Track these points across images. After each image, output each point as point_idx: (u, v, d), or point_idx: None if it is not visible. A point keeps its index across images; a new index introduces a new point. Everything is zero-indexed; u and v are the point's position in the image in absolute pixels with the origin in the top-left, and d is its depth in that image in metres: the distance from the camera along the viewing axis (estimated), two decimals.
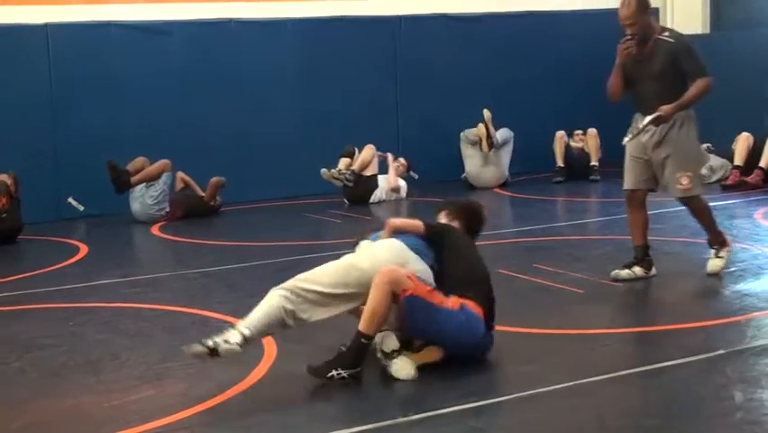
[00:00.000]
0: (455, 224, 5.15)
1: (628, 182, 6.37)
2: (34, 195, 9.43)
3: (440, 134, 11.66)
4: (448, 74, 11.91)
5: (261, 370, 4.75)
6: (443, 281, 4.78)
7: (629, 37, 6.03)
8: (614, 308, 5.97)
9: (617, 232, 7.70)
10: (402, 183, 10.82)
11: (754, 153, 10.65)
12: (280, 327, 4.60)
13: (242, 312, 5.77)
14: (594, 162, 11.60)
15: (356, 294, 4.63)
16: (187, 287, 6.87)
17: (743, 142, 10.73)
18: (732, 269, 6.46)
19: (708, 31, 13.08)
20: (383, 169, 10.82)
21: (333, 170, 10.43)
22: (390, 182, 10.64)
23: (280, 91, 11.10)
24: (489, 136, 11.33)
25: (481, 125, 11.37)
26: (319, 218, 9.67)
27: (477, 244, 5.16)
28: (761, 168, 10.33)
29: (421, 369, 4.60)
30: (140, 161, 9.92)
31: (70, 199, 10.21)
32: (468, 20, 12.08)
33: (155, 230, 9.41)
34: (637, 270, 6.35)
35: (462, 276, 4.78)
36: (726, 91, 10.96)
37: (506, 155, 11.57)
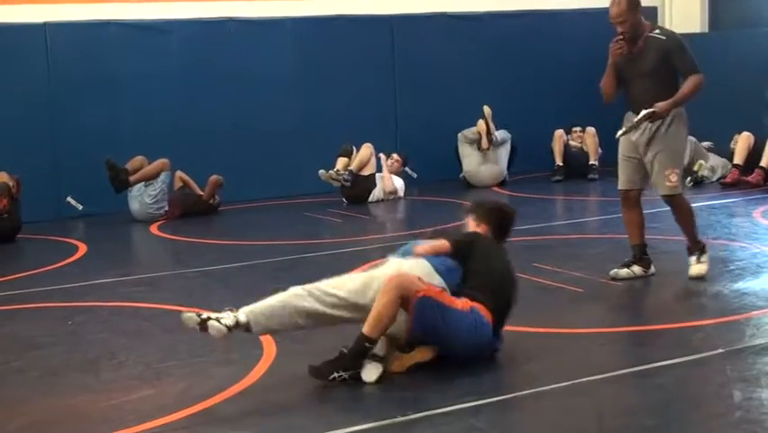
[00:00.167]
0: (482, 227, 5.08)
1: (622, 182, 6.37)
2: (33, 194, 9.42)
3: (438, 133, 11.65)
4: (447, 73, 11.90)
5: (261, 370, 4.75)
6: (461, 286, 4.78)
7: (620, 36, 6.04)
8: (613, 306, 5.97)
9: (615, 231, 7.70)
10: (399, 183, 10.78)
11: (754, 153, 10.66)
12: (290, 324, 4.59)
13: None
14: (593, 161, 11.61)
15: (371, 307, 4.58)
16: (186, 286, 6.87)
17: (743, 142, 10.74)
18: (731, 267, 6.47)
19: (706, 30, 13.09)
20: (382, 167, 10.82)
21: (331, 171, 10.42)
22: (386, 186, 10.60)
23: (279, 90, 11.09)
24: (489, 132, 11.32)
25: (481, 121, 11.36)
26: (318, 218, 9.66)
27: None
28: (762, 167, 10.32)
29: (417, 369, 4.60)
30: (138, 160, 9.92)
31: (69, 198, 10.20)
32: (467, 19, 12.08)
33: (154, 229, 9.40)
34: (636, 269, 6.36)
35: (478, 282, 4.77)
36: (725, 90, 11.01)
37: (504, 154, 11.57)
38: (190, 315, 4.53)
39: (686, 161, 10.02)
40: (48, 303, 6.47)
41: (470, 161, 11.43)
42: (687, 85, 6.01)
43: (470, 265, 4.86)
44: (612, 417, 4.13)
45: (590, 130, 11.74)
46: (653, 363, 4.63)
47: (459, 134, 11.50)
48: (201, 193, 10.16)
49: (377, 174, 10.68)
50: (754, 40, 12.10)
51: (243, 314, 4.55)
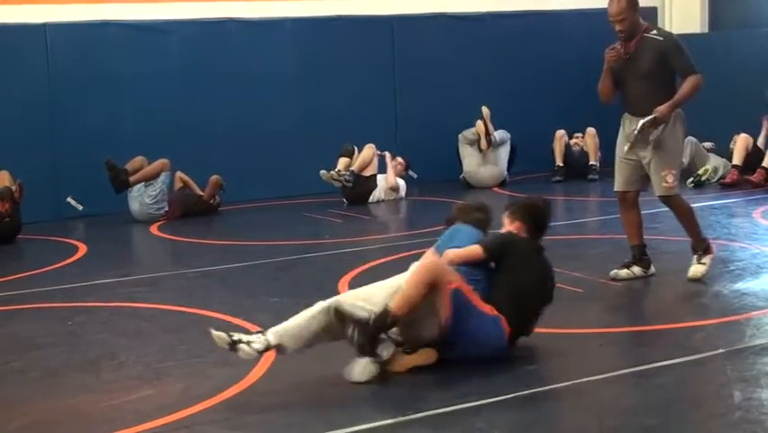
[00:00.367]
0: (516, 225, 5.01)
1: (618, 183, 6.36)
2: (33, 194, 9.41)
3: (438, 134, 11.65)
4: (447, 73, 11.90)
5: (260, 369, 4.75)
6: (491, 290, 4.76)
7: (617, 40, 6.03)
8: (613, 307, 5.97)
9: (615, 231, 7.69)
10: (401, 183, 10.81)
11: (753, 153, 10.68)
12: (320, 339, 4.57)
13: (241, 312, 5.81)
14: (593, 162, 11.60)
15: None
16: (186, 286, 6.87)
17: (741, 143, 10.75)
18: (731, 268, 6.46)
19: (706, 30, 13.09)
20: (383, 168, 10.82)
21: (332, 172, 10.41)
22: (389, 181, 10.63)
23: (279, 90, 11.09)
24: (487, 133, 11.32)
25: (480, 122, 11.36)
26: (319, 218, 9.66)
27: None
28: (764, 167, 10.33)
29: (418, 369, 4.59)
30: (138, 160, 9.92)
31: (69, 199, 10.20)
32: (467, 19, 12.08)
33: (154, 229, 9.40)
34: (636, 269, 6.35)
35: (502, 294, 4.72)
36: (725, 91, 11.01)
37: (504, 154, 11.57)
38: (221, 335, 4.48)
39: (686, 161, 10.04)
40: (48, 303, 6.47)
41: (470, 161, 11.43)
42: (685, 86, 5.99)
43: (499, 276, 4.80)
44: (612, 417, 4.13)
45: (590, 131, 11.74)
46: (654, 364, 4.63)
47: (459, 135, 11.50)
48: (201, 193, 10.16)
49: (378, 175, 10.68)
50: (754, 40, 12.11)
51: (273, 335, 4.51)
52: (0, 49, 9.97)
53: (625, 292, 6.14)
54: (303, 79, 11.25)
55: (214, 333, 4.50)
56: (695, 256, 6.28)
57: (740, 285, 6.10)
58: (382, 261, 7.35)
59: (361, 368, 4.51)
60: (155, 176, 9.81)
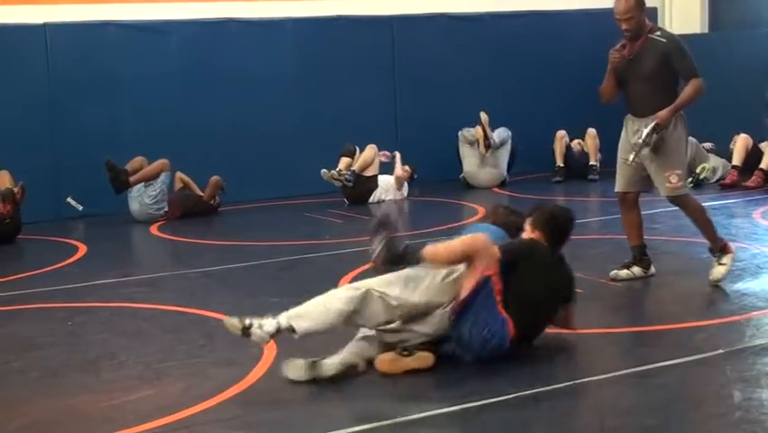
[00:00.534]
0: (537, 234, 5.00)
1: (619, 184, 6.34)
2: (33, 194, 9.40)
3: (438, 134, 11.65)
4: (447, 73, 11.90)
5: (261, 369, 4.75)
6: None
7: (620, 45, 6.00)
8: (613, 307, 5.96)
9: (615, 231, 7.69)
10: (400, 189, 10.83)
11: (753, 154, 10.68)
12: (332, 326, 4.60)
13: (241, 312, 5.79)
14: (593, 162, 11.61)
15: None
16: (186, 286, 6.86)
17: (741, 143, 10.75)
18: (731, 268, 6.45)
19: (706, 31, 13.09)
20: (384, 169, 10.82)
21: (333, 171, 10.41)
22: (397, 172, 10.62)
23: (279, 90, 11.09)
24: (486, 138, 11.32)
25: (478, 128, 11.37)
26: (319, 218, 9.66)
27: None
28: (761, 169, 10.34)
29: (417, 370, 4.59)
30: (138, 160, 9.92)
31: (69, 199, 10.19)
32: (467, 19, 12.08)
33: (154, 230, 9.40)
34: (636, 269, 6.35)
35: (512, 301, 4.69)
36: (725, 91, 11.01)
37: (504, 155, 11.56)
38: (233, 322, 4.52)
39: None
40: (48, 304, 6.47)
41: (470, 161, 11.43)
42: (687, 90, 5.97)
43: (510, 280, 4.74)
44: (612, 417, 4.13)
45: (591, 131, 11.74)
46: (654, 364, 4.63)
47: (459, 134, 11.51)
48: (201, 194, 10.16)
49: (379, 176, 10.68)
50: (754, 41, 12.11)
51: (284, 318, 4.54)
52: (0, 49, 9.97)
53: (625, 292, 6.14)
54: (303, 79, 11.25)
55: (227, 321, 4.54)
56: (714, 259, 6.18)
57: (740, 285, 6.09)
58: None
59: (296, 368, 4.52)
60: (155, 176, 9.81)
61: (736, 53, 11.94)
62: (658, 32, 6.07)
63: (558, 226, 5.05)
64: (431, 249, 4.62)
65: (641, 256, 6.37)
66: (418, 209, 10.32)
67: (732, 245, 6.30)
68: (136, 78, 10.47)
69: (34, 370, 5.01)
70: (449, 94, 11.86)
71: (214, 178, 10.14)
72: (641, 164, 6.16)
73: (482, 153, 11.34)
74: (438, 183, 11.35)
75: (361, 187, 10.49)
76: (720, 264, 6.14)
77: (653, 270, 6.39)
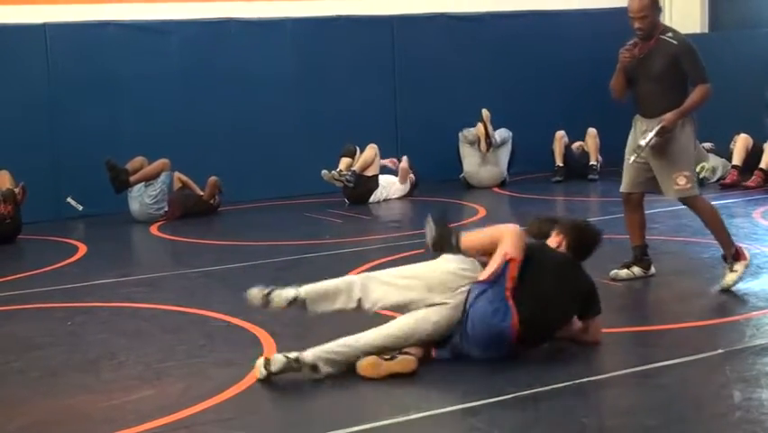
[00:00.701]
0: (559, 241, 5.03)
1: (624, 185, 6.32)
2: (33, 194, 9.40)
3: (439, 134, 11.65)
4: (447, 73, 11.90)
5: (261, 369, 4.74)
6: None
7: (631, 43, 5.95)
8: (613, 307, 5.94)
9: (615, 231, 7.68)
10: (404, 186, 10.85)
11: (753, 154, 10.68)
12: (344, 298, 4.77)
13: (241, 312, 5.80)
14: (593, 162, 11.61)
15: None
16: (186, 286, 6.86)
17: (741, 143, 10.76)
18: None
19: (706, 30, 13.09)
20: (384, 168, 10.83)
21: (333, 172, 10.41)
22: (403, 163, 10.68)
23: (279, 90, 11.09)
24: (487, 136, 11.32)
25: (480, 125, 11.37)
26: (319, 218, 9.66)
27: None
28: (761, 169, 10.34)
29: (418, 368, 4.59)
30: (138, 160, 9.92)
31: (69, 199, 10.19)
32: (467, 19, 12.08)
33: (154, 230, 9.40)
34: (636, 269, 6.35)
35: (521, 295, 4.70)
36: (725, 91, 10.97)
37: (504, 155, 11.56)
38: (254, 292, 4.74)
39: None
40: (48, 303, 6.47)
41: (471, 161, 11.43)
42: (694, 95, 5.92)
43: (522, 280, 4.76)
44: (612, 417, 4.14)
45: (591, 131, 11.74)
46: (654, 364, 4.63)
47: (459, 134, 11.50)
48: (201, 193, 10.16)
49: (380, 176, 10.68)
50: (754, 40, 12.11)
51: (303, 290, 4.76)
52: (0, 49, 9.97)
53: (625, 292, 6.14)
54: (303, 79, 11.25)
55: (250, 291, 4.75)
56: (726, 265, 6.07)
57: (740, 285, 6.07)
58: (383, 261, 7.35)
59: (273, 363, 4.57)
60: (155, 176, 9.81)
61: (736, 53, 11.93)
62: (670, 34, 6.00)
63: (583, 240, 5.10)
64: (465, 236, 4.81)
65: (641, 256, 6.37)
66: (418, 209, 10.31)
67: (746, 251, 6.14)
68: (136, 78, 10.47)
69: (34, 370, 5.01)
70: (449, 94, 11.85)
71: (213, 178, 10.13)
72: (647, 166, 6.13)
73: (483, 151, 11.33)
74: (438, 183, 11.34)
75: (362, 187, 10.49)
76: (732, 271, 6.01)
77: (653, 270, 6.40)
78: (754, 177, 10.28)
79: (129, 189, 9.81)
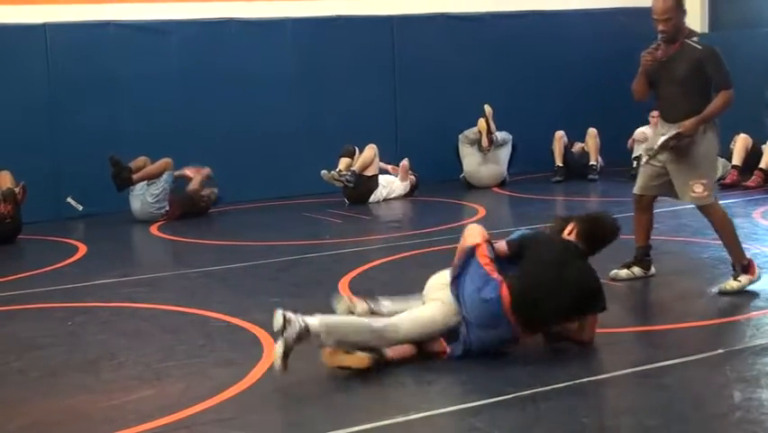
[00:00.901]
0: (574, 234, 5.06)
1: (637, 186, 6.26)
2: (33, 194, 9.39)
3: (439, 134, 11.65)
4: (447, 73, 11.90)
5: (260, 369, 4.75)
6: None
7: (654, 47, 5.85)
8: (613, 307, 5.92)
9: None
10: (405, 186, 10.84)
11: (753, 154, 10.68)
12: (366, 335, 4.68)
13: (241, 312, 5.81)
14: (593, 162, 11.61)
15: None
16: (186, 286, 6.86)
17: (741, 143, 10.76)
18: (731, 268, 6.45)
19: (706, 30, 13.08)
20: (384, 169, 10.84)
21: (333, 172, 10.41)
22: (404, 163, 10.69)
23: (279, 90, 11.09)
24: (489, 132, 11.31)
25: (482, 120, 11.35)
26: (319, 218, 9.66)
27: None
28: (761, 169, 10.34)
29: (418, 368, 4.60)
30: (141, 160, 9.92)
31: (69, 199, 10.19)
32: (467, 19, 12.08)
33: (154, 230, 9.40)
34: (636, 270, 6.35)
35: (516, 274, 4.81)
36: None
37: (504, 154, 11.56)
38: (278, 317, 4.56)
39: None
40: (48, 304, 6.47)
41: (471, 161, 11.42)
42: (716, 102, 5.82)
43: (520, 267, 4.89)
44: (612, 417, 4.13)
45: (591, 131, 11.73)
46: (654, 364, 4.63)
47: (460, 135, 11.50)
48: (196, 186, 10.13)
49: (380, 176, 10.68)
50: (754, 40, 12.10)
51: (317, 320, 4.62)
52: (0, 49, 9.96)
53: (625, 292, 6.14)
54: (303, 79, 11.25)
55: (276, 316, 4.57)
56: (733, 273, 5.97)
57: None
58: (383, 261, 7.35)
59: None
60: (158, 175, 9.82)
61: (736, 53, 11.88)
62: (695, 38, 5.90)
63: (593, 231, 5.11)
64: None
65: (643, 257, 6.35)
66: (418, 209, 10.32)
67: (759, 270, 5.99)
68: (136, 78, 10.47)
69: (34, 370, 5.01)
70: (449, 94, 11.86)
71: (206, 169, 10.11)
72: (663, 170, 6.05)
73: (485, 147, 11.30)
74: (438, 183, 11.34)
75: (362, 187, 10.49)
76: (736, 280, 5.93)
77: (653, 270, 6.39)
78: (753, 177, 10.28)
79: (131, 188, 9.81)
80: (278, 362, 4.47)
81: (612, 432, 3.97)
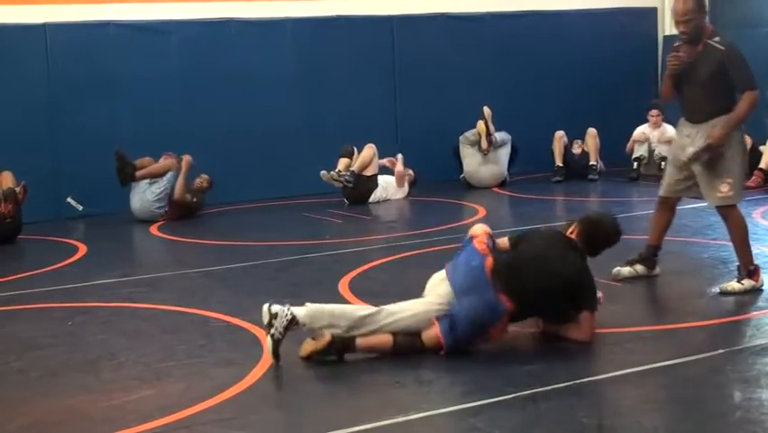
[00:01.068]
0: (576, 233, 5.16)
1: (663, 188, 6.21)
2: (33, 194, 9.39)
3: (439, 134, 11.65)
4: (447, 73, 11.90)
5: (260, 369, 4.75)
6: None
7: (677, 51, 5.83)
8: (613, 307, 5.94)
9: None
10: (405, 186, 10.84)
11: (753, 154, 10.66)
12: (349, 321, 4.80)
13: (241, 312, 5.80)
14: (593, 162, 11.61)
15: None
16: (186, 286, 6.86)
17: None
18: (731, 268, 6.44)
19: None
20: (383, 169, 10.82)
21: (332, 172, 10.41)
22: (399, 168, 10.68)
23: (279, 90, 11.09)
24: (488, 133, 11.31)
25: (481, 122, 11.36)
26: (319, 218, 9.66)
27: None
28: (761, 169, 10.33)
29: (417, 368, 4.60)
30: (146, 160, 9.94)
31: (69, 199, 10.20)
32: (467, 19, 12.08)
33: (154, 230, 9.40)
34: (639, 267, 6.32)
35: (509, 271, 4.88)
36: None
37: (504, 154, 11.56)
38: (264, 310, 4.77)
39: None
40: (48, 304, 6.47)
41: (471, 161, 11.42)
42: (741, 105, 5.79)
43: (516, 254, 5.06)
44: (612, 417, 4.13)
45: (591, 131, 11.74)
46: (654, 364, 4.63)
47: (460, 137, 11.49)
48: (179, 193, 10.07)
49: (379, 176, 10.68)
50: (754, 41, 12.08)
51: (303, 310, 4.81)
52: (0, 49, 9.96)
53: (625, 292, 6.13)
54: (303, 80, 11.25)
55: (265, 308, 4.77)
56: (737, 276, 5.96)
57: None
58: (383, 261, 7.35)
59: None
60: (161, 174, 9.83)
61: None
62: (717, 38, 5.86)
63: (592, 231, 5.22)
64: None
65: (650, 256, 6.32)
66: (418, 209, 10.32)
67: (763, 278, 5.99)
68: (136, 78, 10.47)
69: (34, 370, 5.01)
70: (449, 94, 11.86)
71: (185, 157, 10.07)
72: (689, 173, 5.99)
73: (485, 149, 11.31)
74: (438, 183, 11.35)
75: (361, 187, 10.49)
76: (738, 283, 5.91)
77: (657, 270, 6.36)
78: (753, 177, 10.26)
79: (133, 185, 9.81)
80: (270, 355, 4.70)
81: (612, 432, 3.97)
